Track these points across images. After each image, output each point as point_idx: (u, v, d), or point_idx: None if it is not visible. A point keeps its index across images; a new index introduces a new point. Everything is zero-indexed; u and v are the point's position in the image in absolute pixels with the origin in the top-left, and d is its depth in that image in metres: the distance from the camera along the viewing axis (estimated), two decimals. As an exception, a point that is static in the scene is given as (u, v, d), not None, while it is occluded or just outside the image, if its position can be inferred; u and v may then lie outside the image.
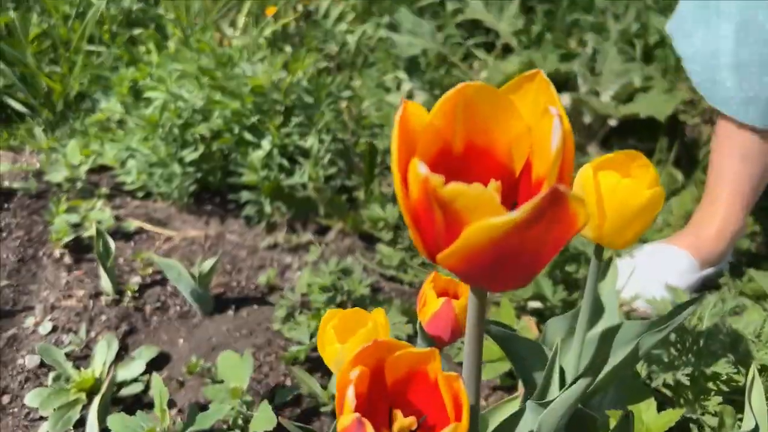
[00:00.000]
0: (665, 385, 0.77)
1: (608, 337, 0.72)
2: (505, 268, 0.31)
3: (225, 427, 0.78)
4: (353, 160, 1.32)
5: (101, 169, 1.31)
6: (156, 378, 0.79)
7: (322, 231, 1.21)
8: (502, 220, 0.27)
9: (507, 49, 1.74)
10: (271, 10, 1.70)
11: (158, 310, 0.99)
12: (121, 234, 1.13)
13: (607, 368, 0.72)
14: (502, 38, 1.71)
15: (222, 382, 0.82)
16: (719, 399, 0.73)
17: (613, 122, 1.51)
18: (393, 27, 1.66)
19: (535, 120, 0.34)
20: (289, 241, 1.18)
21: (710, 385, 0.74)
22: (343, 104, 1.42)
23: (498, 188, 0.34)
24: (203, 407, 0.79)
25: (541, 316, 0.99)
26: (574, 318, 0.74)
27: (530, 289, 1.01)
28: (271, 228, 1.22)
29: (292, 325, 0.95)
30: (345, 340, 0.53)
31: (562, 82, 1.62)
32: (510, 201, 0.37)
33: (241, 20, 1.73)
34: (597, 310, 0.80)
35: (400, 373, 0.39)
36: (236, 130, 1.24)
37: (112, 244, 0.98)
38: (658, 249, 1.17)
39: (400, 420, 0.38)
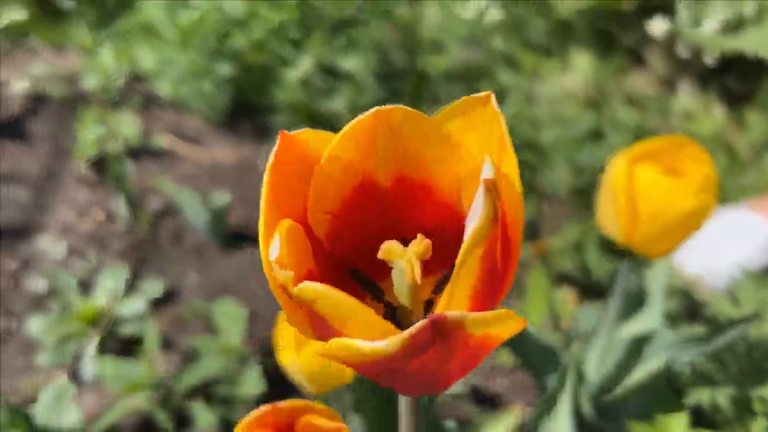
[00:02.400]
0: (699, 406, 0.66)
1: (640, 343, 0.62)
2: (398, 383, 0.22)
3: (215, 381, 0.74)
4: (401, 86, 1.20)
5: (138, 77, 1.25)
6: (149, 325, 0.76)
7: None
8: (368, 348, 0.18)
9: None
10: None
11: (173, 241, 0.95)
12: (148, 151, 1.09)
13: (633, 378, 0.62)
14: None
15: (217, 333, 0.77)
16: (765, 424, 0.62)
17: (709, 61, 1.31)
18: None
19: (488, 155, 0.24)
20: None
21: (757, 406, 0.63)
22: (402, 11, 1.28)
23: (421, 252, 0.24)
24: (199, 355, 0.76)
25: (586, 290, 0.89)
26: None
27: (573, 256, 0.90)
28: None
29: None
30: (302, 347, 0.46)
31: (661, 6, 1.41)
32: (455, 255, 0.27)
33: None
34: (637, 300, 0.69)
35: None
36: (277, 44, 1.14)
37: (129, 168, 0.93)
38: (737, 216, 1.02)
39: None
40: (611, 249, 0.90)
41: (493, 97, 0.22)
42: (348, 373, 0.46)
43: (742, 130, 1.33)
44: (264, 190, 0.22)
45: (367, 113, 0.23)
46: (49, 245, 0.92)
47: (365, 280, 0.27)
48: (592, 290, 0.88)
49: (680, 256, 0.93)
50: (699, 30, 1.34)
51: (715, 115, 1.33)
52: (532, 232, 0.98)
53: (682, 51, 1.35)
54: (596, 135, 1.15)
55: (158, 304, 0.86)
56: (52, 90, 1.17)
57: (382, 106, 0.23)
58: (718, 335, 0.55)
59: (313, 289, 0.19)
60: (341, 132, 0.23)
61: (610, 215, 0.48)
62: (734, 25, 1.34)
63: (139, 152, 1.07)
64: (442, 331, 0.17)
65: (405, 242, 0.25)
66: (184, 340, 0.83)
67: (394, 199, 0.26)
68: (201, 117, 1.18)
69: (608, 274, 0.87)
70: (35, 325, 0.80)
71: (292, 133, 0.23)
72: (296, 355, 0.44)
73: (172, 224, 0.97)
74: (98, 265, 0.90)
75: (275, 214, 0.22)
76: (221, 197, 0.93)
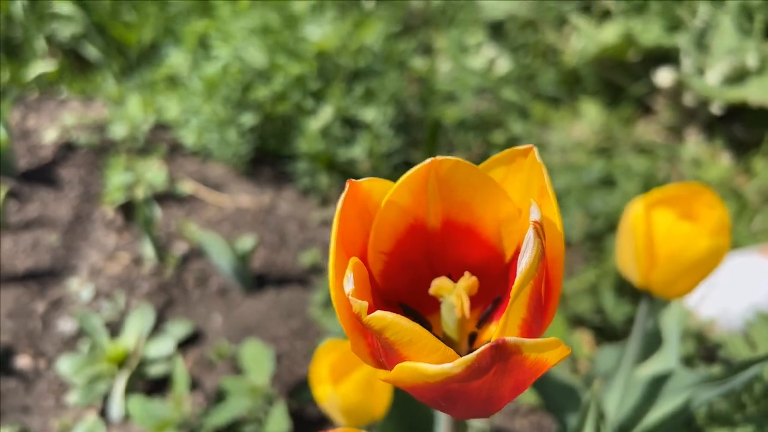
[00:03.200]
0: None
1: (657, 383, 0.63)
2: (455, 405, 0.24)
3: (242, 420, 0.76)
4: (416, 135, 1.24)
5: (164, 126, 1.30)
6: (179, 364, 0.78)
7: (378, 208, 1.16)
8: (433, 370, 0.21)
9: (605, 15, 1.59)
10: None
11: (198, 284, 0.98)
12: (173, 197, 1.12)
13: (651, 417, 0.64)
14: (600, 2, 1.56)
15: (245, 372, 0.79)
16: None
17: (716, 110, 1.35)
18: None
19: (527, 204, 0.27)
20: (342, 217, 1.13)
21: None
22: (416, 65, 1.33)
23: (470, 287, 0.27)
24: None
25: (601, 332, 0.91)
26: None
27: (589, 299, 0.92)
28: (326, 201, 1.17)
29: (329, 312, 0.91)
30: (339, 381, 0.48)
31: (664, 57, 1.47)
32: (496, 291, 0.30)
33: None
34: (655, 342, 0.71)
35: None
36: (298, 95, 1.19)
37: (157, 212, 0.96)
38: (749, 260, 1.04)
39: None
40: (626, 292, 0.92)
41: (535, 149, 0.25)
42: (380, 409, 0.48)
43: (750, 178, 1.36)
44: (333, 232, 0.25)
45: (422, 163, 0.26)
46: (78, 287, 0.95)
47: (414, 313, 0.30)
48: (607, 333, 0.90)
49: (694, 299, 0.95)
50: (703, 80, 1.38)
51: (722, 163, 1.36)
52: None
53: (689, 100, 1.39)
54: (607, 182, 1.18)
55: (184, 345, 0.88)
56: (81, 138, 1.22)
57: (436, 157, 0.26)
58: (735, 375, 0.57)
59: (383, 317, 0.22)
60: (400, 180, 0.26)
61: (628, 258, 0.51)
62: (738, 76, 1.38)
63: (165, 198, 1.11)
64: (503, 354, 0.20)
65: (451, 280, 0.28)
66: (209, 381, 0.85)
67: (441, 240, 0.29)
68: (223, 165, 1.22)
69: (624, 317, 0.89)
70: (65, 366, 0.83)
71: (357, 181, 0.26)
72: (333, 389, 0.46)
73: (197, 267, 1.00)
74: (126, 307, 0.93)
75: (342, 253, 0.25)
76: (246, 241, 0.96)
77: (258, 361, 0.78)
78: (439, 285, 0.27)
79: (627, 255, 0.51)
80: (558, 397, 0.62)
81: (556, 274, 0.25)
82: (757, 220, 1.23)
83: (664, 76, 1.43)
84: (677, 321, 0.70)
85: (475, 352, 0.20)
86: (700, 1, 1.51)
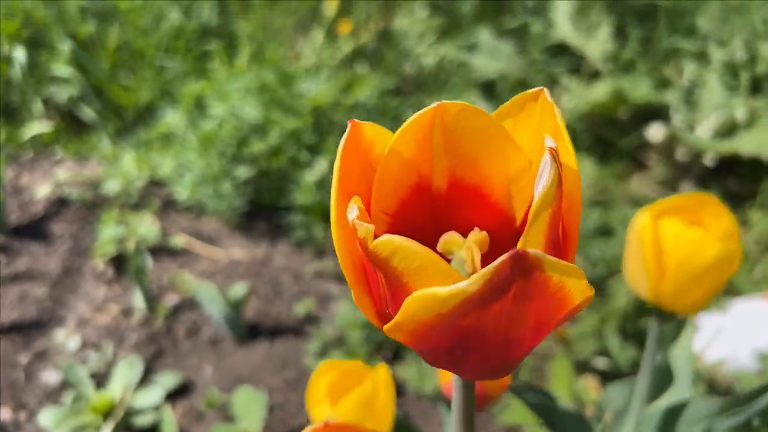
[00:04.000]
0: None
1: (673, 415, 0.60)
2: (469, 353, 0.22)
3: (232, 471, 0.72)
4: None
5: (158, 183, 1.29)
6: (167, 413, 0.74)
7: (374, 260, 1.14)
8: (448, 291, 0.19)
9: (594, 76, 1.62)
10: (345, 28, 1.67)
11: (189, 334, 0.95)
12: (166, 251, 1.10)
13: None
14: (589, 63, 1.60)
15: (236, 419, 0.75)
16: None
17: (708, 161, 1.36)
18: (473, 48, 1.58)
19: (537, 153, 0.25)
20: (337, 269, 1.11)
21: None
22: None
23: (481, 241, 0.25)
24: (214, 446, 0.73)
25: (606, 377, 0.87)
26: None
27: (593, 344, 0.89)
28: (320, 254, 1.15)
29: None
30: (337, 400, 0.45)
31: (654, 113, 1.49)
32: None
33: (318, 38, 1.70)
34: (666, 378, 0.68)
35: None
36: (293, 148, 1.19)
37: (149, 262, 0.94)
38: (752, 306, 1.02)
39: None
40: (631, 335, 0.90)
41: (545, 90, 0.24)
42: (382, 431, 0.45)
43: (747, 229, 1.35)
44: (335, 174, 0.23)
45: (426, 108, 0.25)
46: (65, 339, 0.91)
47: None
48: (613, 377, 0.86)
49: (700, 344, 0.92)
50: (694, 134, 1.40)
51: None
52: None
53: (681, 154, 1.40)
54: (605, 231, 1.17)
55: (173, 396, 0.84)
56: (74, 193, 1.21)
57: (441, 101, 0.25)
58: (757, 400, 0.54)
59: (390, 240, 0.20)
60: (403, 126, 0.25)
61: (638, 271, 0.49)
62: (728, 129, 1.40)
63: (157, 251, 1.09)
64: (523, 266, 0.18)
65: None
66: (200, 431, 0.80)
67: (447, 203, 0.27)
68: (217, 219, 1.20)
69: (629, 360, 0.86)
70: (46, 418, 0.78)
71: (360, 122, 0.25)
72: (331, 409, 0.43)
73: (189, 318, 0.97)
74: (113, 357, 0.89)
75: (343, 197, 0.24)
76: (238, 289, 0.93)
77: (250, 408, 0.74)
78: (449, 239, 0.25)
79: (635, 268, 0.49)
80: (569, 429, 0.58)
81: (572, 222, 0.23)
82: (758, 269, 1.21)
83: (655, 132, 1.44)
84: (687, 356, 0.68)
85: (494, 263, 0.18)
86: (686, 61, 1.55)
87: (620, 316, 0.90)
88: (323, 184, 1.17)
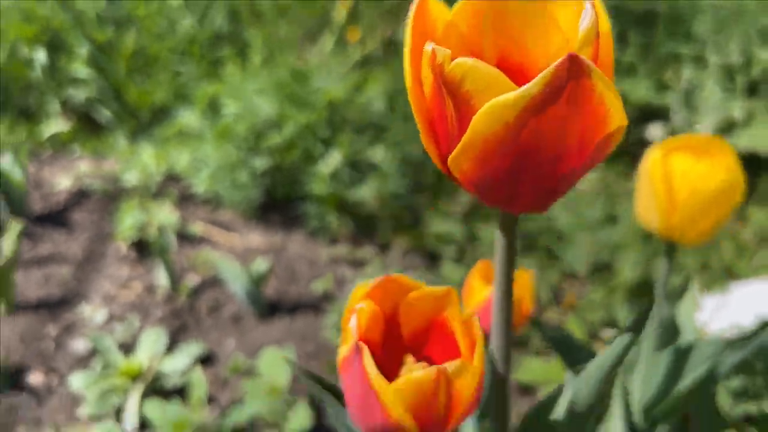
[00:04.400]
0: (748, 419, 0.67)
1: (681, 355, 0.64)
2: (524, 171, 0.26)
3: (262, 423, 0.74)
4: (420, 178, 1.28)
5: (174, 177, 1.33)
6: (196, 371, 0.77)
7: (385, 247, 1.18)
8: (514, 95, 0.23)
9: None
10: (354, 35, 1.72)
11: (211, 311, 0.98)
12: (185, 238, 1.14)
13: (679, 387, 0.63)
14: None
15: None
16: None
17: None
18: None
19: (575, 33, 0.29)
20: (351, 255, 1.14)
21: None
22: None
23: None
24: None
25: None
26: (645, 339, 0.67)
27: (601, 312, 0.92)
28: (334, 242, 1.19)
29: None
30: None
31: (654, 114, 1.54)
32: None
33: (327, 45, 1.76)
34: (672, 333, 0.72)
35: (416, 322, 0.34)
36: (308, 141, 1.23)
37: (173, 240, 0.98)
38: (756, 287, 1.06)
39: (410, 366, 0.33)
40: (639, 295, 0.93)
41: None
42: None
43: (744, 224, 1.39)
44: (407, 30, 0.27)
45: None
46: (91, 313, 0.94)
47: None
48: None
49: (704, 316, 0.96)
50: (693, 131, 1.44)
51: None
52: (557, 300, 1.01)
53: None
54: (610, 219, 1.21)
55: (197, 366, 0.87)
56: (94, 185, 1.24)
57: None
58: (754, 337, 0.57)
59: (464, 62, 0.24)
60: (459, 3, 0.29)
61: (649, 206, 0.53)
62: (726, 127, 1.45)
63: (177, 237, 1.12)
64: (576, 68, 0.22)
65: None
66: (224, 397, 0.83)
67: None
68: (233, 210, 1.24)
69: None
70: (77, 381, 0.81)
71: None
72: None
73: (210, 297, 1.00)
74: (139, 330, 0.92)
75: (416, 51, 0.27)
76: (260, 264, 0.97)
77: (276, 366, 0.77)
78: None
79: (647, 203, 0.53)
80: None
81: (605, 60, 0.27)
82: (756, 259, 1.25)
83: (655, 131, 1.49)
84: (692, 313, 0.71)
85: (551, 66, 0.22)
86: (684, 65, 1.60)
87: (627, 289, 0.93)
88: (337, 176, 1.21)
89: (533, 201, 0.27)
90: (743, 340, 0.58)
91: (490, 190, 0.27)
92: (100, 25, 1.63)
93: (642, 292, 0.98)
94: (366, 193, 1.19)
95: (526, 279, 0.59)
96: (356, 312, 0.31)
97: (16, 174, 1.12)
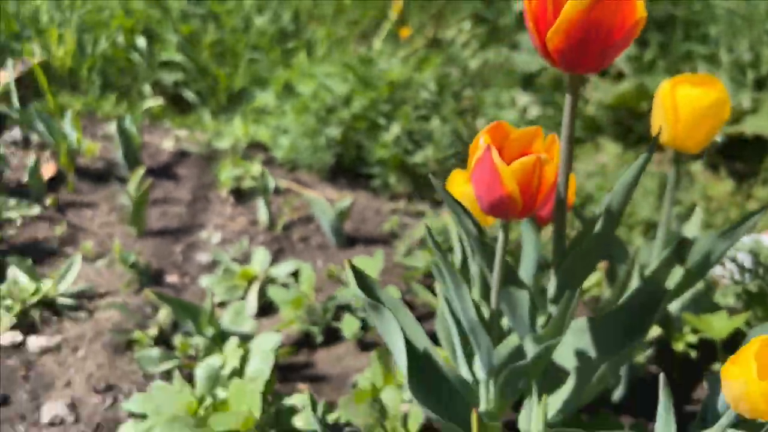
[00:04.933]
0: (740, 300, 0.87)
1: (687, 244, 0.84)
2: (590, 41, 0.47)
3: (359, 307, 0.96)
4: (467, 146, 1.49)
5: (256, 146, 1.56)
6: (306, 267, 0.99)
7: (438, 204, 1.39)
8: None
9: (619, 77, 1.88)
10: (405, 32, 1.95)
11: (302, 240, 1.20)
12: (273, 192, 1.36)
13: (679, 271, 0.83)
14: (615, 64, 1.86)
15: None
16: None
17: (718, 138, 1.60)
18: (515, 48, 1.85)
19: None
20: (409, 208, 1.36)
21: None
22: (464, 102, 1.61)
23: None
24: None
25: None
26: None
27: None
28: (394, 198, 1.41)
29: (411, 257, 1.12)
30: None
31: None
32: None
33: (377, 43, 1.99)
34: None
35: (516, 152, 0.54)
36: (373, 114, 1.45)
37: (271, 181, 1.20)
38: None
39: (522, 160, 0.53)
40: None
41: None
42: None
43: (749, 201, 1.59)
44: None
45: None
46: (207, 236, 1.17)
47: None
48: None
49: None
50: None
51: (726, 185, 1.60)
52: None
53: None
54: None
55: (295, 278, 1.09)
56: (192, 148, 1.48)
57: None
58: (740, 225, 0.78)
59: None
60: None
61: (660, 121, 0.74)
62: (736, 117, 1.65)
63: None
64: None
65: None
66: (321, 296, 1.04)
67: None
68: (308, 172, 1.46)
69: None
70: (206, 281, 1.03)
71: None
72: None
73: (301, 231, 1.22)
74: (248, 249, 1.14)
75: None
76: (344, 201, 1.18)
77: (368, 266, 0.99)
78: None
79: (658, 121, 0.74)
80: (615, 251, 0.82)
81: None
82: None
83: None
84: (697, 228, 0.92)
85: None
86: (699, 62, 1.81)
87: (644, 225, 1.14)
88: (398, 142, 1.43)
89: (594, 62, 0.48)
90: (730, 231, 0.79)
91: (569, 55, 0.48)
92: (184, 20, 1.87)
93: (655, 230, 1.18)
94: (422, 157, 1.40)
95: (572, 179, 0.80)
96: (483, 136, 0.53)
97: (133, 131, 1.36)
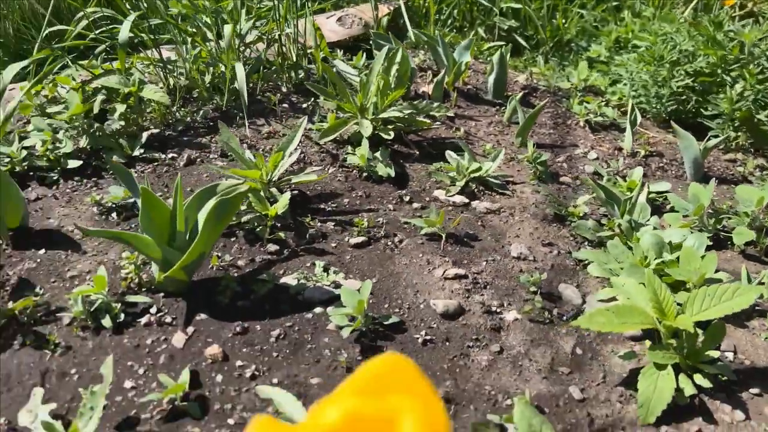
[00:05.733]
0: None
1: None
2: None
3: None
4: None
5: (589, 89, 1.72)
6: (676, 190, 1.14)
7: (779, 159, 1.47)
8: None
9: None
10: (729, 1, 2.01)
11: (660, 169, 1.35)
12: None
13: None
14: None
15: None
16: None
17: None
18: None
19: None
20: (743, 162, 1.45)
21: None
22: None
23: None
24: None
25: None
26: None
27: None
28: (729, 151, 1.51)
29: None
30: None
31: None
32: None
33: (687, 11, 2.06)
34: None
35: None
36: (718, 71, 1.55)
37: (638, 115, 1.36)
38: None
39: None
40: None
41: None
42: None
43: None
44: None
45: None
46: (583, 152, 1.36)
47: None
48: None
49: None
50: None
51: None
52: None
53: None
54: None
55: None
56: (539, 84, 1.68)
57: None
58: None
59: None
60: None
61: None
62: None
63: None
64: None
65: None
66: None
67: None
68: (643, 118, 1.60)
69: None
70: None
71: None
72: None
73: (657, 162, 1.37)
74: (617, 169, 1.32)
75: None
76: (711, 140, 1.32)
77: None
78: None
79: None
80: None
81: None
82: None
83: None
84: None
85: None
86: None
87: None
88: (742, 98, 1.52)
89: None
90: None
91: None
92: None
93: None
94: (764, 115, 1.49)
95: None
96: None
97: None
